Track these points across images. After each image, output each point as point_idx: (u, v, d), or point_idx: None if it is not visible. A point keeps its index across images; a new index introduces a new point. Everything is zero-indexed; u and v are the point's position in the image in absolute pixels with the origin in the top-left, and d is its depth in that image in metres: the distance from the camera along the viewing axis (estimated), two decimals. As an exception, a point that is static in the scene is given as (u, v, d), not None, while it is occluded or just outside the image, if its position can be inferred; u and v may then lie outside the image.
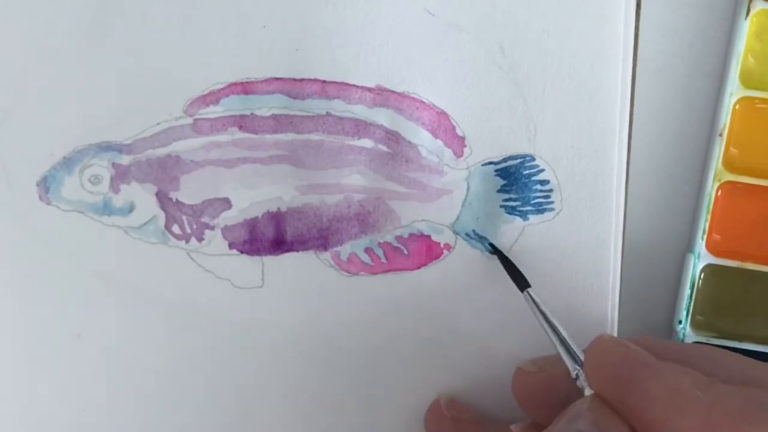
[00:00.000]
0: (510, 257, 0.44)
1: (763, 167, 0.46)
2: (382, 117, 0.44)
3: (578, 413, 0.38)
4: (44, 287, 0.45)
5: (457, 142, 0.44)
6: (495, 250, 0.45)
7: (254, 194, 0.44)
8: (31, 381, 0.46)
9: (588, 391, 0.39)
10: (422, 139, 0.44)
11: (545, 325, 0.41)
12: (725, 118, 0.46)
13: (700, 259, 0.46)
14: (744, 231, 0.47)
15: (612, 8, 0.43)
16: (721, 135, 0.46)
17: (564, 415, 0.38)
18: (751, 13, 0.45)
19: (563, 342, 0.40)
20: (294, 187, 0.44)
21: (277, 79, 0.43)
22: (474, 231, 0.45)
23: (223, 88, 0.43)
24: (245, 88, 0.43)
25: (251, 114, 0.44)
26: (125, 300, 0.45)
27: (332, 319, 0.45)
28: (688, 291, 0.47)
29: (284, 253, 0.45)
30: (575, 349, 0.40)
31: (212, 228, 0.44)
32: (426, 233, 0.45)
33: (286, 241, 0.45)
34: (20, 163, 0.44)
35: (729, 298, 0.47)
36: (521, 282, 0.43)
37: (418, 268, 0.45)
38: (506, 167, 0.45)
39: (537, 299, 0.42)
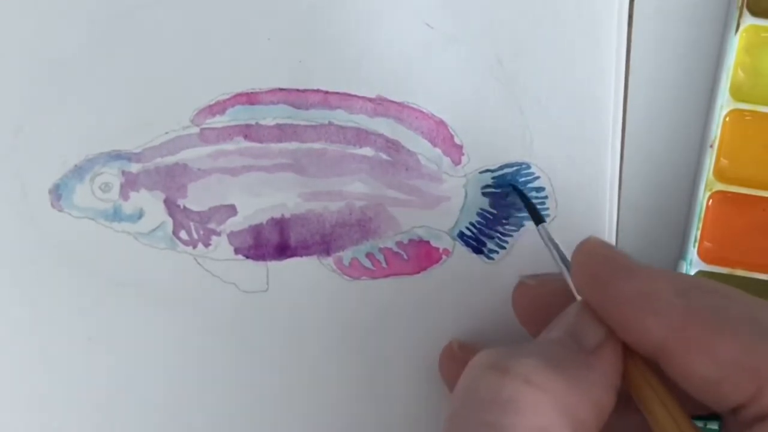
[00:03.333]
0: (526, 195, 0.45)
1: (753, 177, 0.47)
2: (383, 126, 0.45)
3: (560, 320, 0.37)
4: (56, 291, 0.45)
5: (455, 151, 0.45)
6: (514, 188, 0.45)
7: (259, 201, 0.45)
8: (43, 383, 0.46)
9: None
10: (421, 147, 0.45)
11: (555, 254, 0.41)
12: (716, 130, 0.46)
13: (692, 266, 0.47)
14: (734, 239, 0.47)
15: (605, 22, 0.44)
16: (712, 146, 0.46)
17: (552, 323, 0.38)
18: (741, 28, 0.45)
19: (566, 262, 0.40)
20: (297, 194, 0.45)
21: (281, 89, 0.44)
22: (472, 236, 0.46)
23: (228, 99, 0.44)
24: (250, 98, 0.44)
25: (256, 123, 0.44)
26: (134, 304, 0.45)
27: (335, 322, 0.46)
28: (680, 297, 0.47)
29: (288, 258, 0.45)
30: None
31: (219, 234, 0.45)
32: (425, 239, 0.46)
33: (290, 246, 0.45)
34: (34, 172, 0.44)
35: (720, 304, 0.48)
36: (536, 217, 0.43)
37: (418, 272, 0.46)
38: (503, 175, 0.45)
39: (550, 233, 0.42)
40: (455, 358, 0.45)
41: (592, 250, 0.38)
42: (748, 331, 0.32)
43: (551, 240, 0.41)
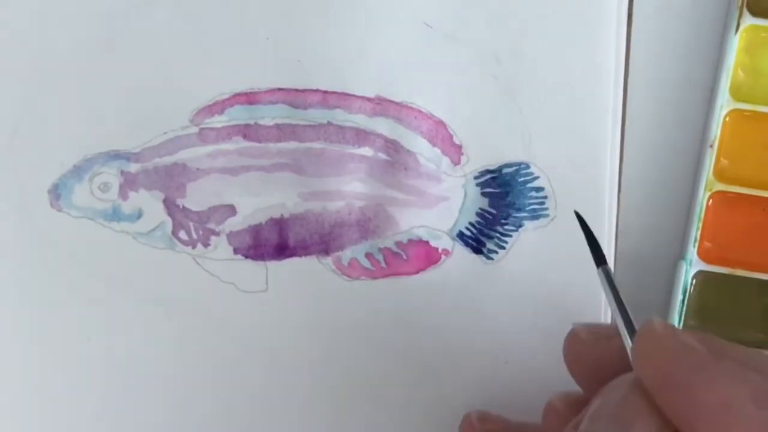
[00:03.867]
0: (590, 234, 0.41)
1: (753, 177, 0.47)
2: (382, 126, 0.45)
3: (606, 402, 0.34)
4: (56, 291, 0.45)
5: (454, 151, 0.45)
6: (580, 222, 0.41)
7: (258, 201, 0.45)
8: (42, 383, 0.46)
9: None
10: (421, 147, 0.45)
11: (613, 301, 0.37)
12: (716, 130, 0.46)
13: (692, 266, 0.47)
14: (734, 239, 0.47)
15: (604, 21, 0.44)
16: (711, 146, 0.46)
17: (596, 399, 0.35)
18: (741, 28, 0.45)
19: (628, 321, 0.37)
20: (297, 194, 0.45)
21: (280, 89, 0.44)
22: (471, 236, 0.46)
23: (227, 99, 0.44)
24: (249, 98, 0.44)
25: (255, 123, 0.44)
26: (133, 303, 0.45)
27: (334, 322, 0.46)
28: (680, 297, 0.47)
29: (287, 258, 0.45)
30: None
31: (218, 234, 0.45)
32: (425, 239, 0.46)
33: (289, 246, 0.45)
34: (32, 172, 0.44)
35: (720, 304, 0.47)
36: (599, 257, 0.40)
37: (417, 272, 0.46)
38: (502, 174, 0.45)
39: (612, 277, 0.38)
40: (474, 430, 0.44)
41: (657, 338, 0.34)
42: None
43: (613, 288, 0.38)
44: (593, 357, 0.39)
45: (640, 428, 0.32)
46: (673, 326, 0.35)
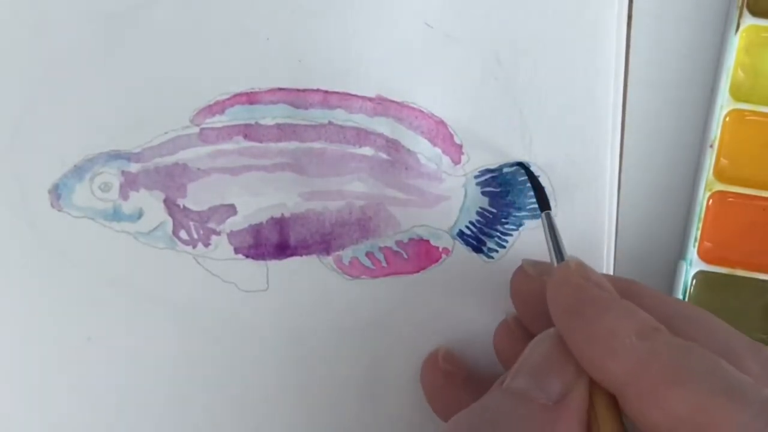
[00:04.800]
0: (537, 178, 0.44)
1: (753, 177, 0.47)
2: (383, 126, 0.45)
3: (529, 357, 0.36)
4: (56, 291, 0.45)
5: (454, 150, 0.45)
6: (525, 170, 0.45)
7: (259, 201, 0.45)
8: (42, 382, 0.46)
9: None
10: (421, 147, 0.45)
11: (551, 246, 0.40)
12: (716, 130, 0.46)
13: (692, 266, 0.47)
14: (734, 239, 0.47)
15: (604, 21, 0.44)
16: (712, 146, 0.46)
17: (519, 359, 0.37)
18: (741, 28, 0.46)
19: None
20: (297, 193, 0.45)
21: (280, 89, 0.44)
22: (471, 235, 0.46)
23: (228, 99, 0.44)
24: (250, 98, 0.44)
25: (256, 123, 0.44)
26: (134, 303, 0.45)
27: (334, 321, 0.46)
28: (680, 297, 0.47)
29: (288, 257, 0.45)
30: None
31: (218, 233, 0.45)
32: (425, 238, 0.46)
33: (290, 245, 0.45)
34: (32, 171, 0.44)
35: (720, 304, 0.47)
36: (543, 203, 0.43)
37: (418, 271, 0.46)
38: (502, 174, 0.45)
39: (554, 222, 0.41)
40: (437, 368, 0.45)
41: (566, 278, 0.37)
42: (701, 387, 0.32)
43: (552, 231, 0.41)
44: (534, 291, 0.40)
45: (555, 380, 0.35)
46: (588, 267, 0.38)
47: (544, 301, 0.38)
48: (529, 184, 0.45)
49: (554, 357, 0.36)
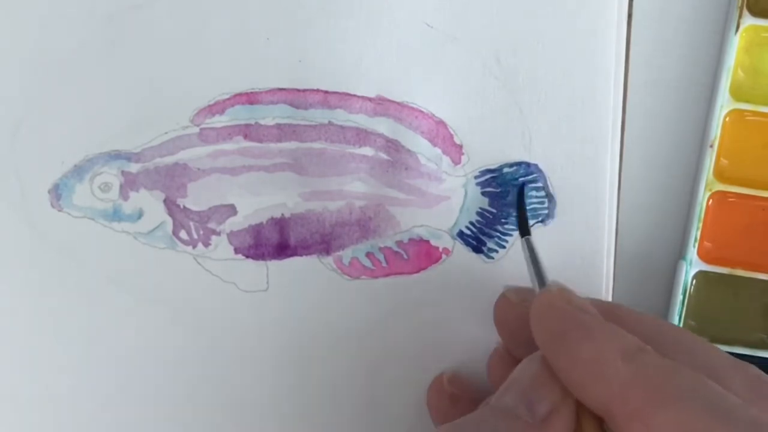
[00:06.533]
0: (525, 206, 0.45)
1: (753, 177, 0.47)
2: (383, 126, 0.45)
3: (516, 379, 0.37)
4: (55, 291, 0.45)
5: (454, 150, 0.45)
6: (519, 192, 0.45)
7: (259, 201, 0.45)
8: (42, 382, 0.46)
9: None
10: (421, 147, 0.45)
11: (533, 271, 0.41)
12: (716, 130, 0.46)
13: (692, 266, 0.47)
14: (734, 239, 0.47)
15: (604, 21, 0.44)
16: (712, 146, 0.46)
17: (508, 379, 0.37)
18: (741, 28, 0.46)
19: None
20: (297, 193, 0.45)
21: (280, 89, 0.44)
22: (471, 236, 0.46)
23: (228, 99, 0.44)
24: (250, 98, 0.44)
25: (256, 123, 0.44)
26: (134, 303, 0.45)
27: (334, 322, 0.46)
28: (680, 297, 0.47)
29: (288, 257, 0.45)
30: None
31: (218, 234, 0.45)
32: (425, 238, 0.46)
33: (290, 246, 0.45)
34: (33, 171, 0.44)
35: (720, 304, 0.48)
36: (524, 229, 0.43)
37: (418, 271, 0.46)
38: (502, 174, 0.45)
39: (534, 247, 0.42)
40: (443, 392, 0.45)
41: (551, 301, 0.38)
42: (687, 407, 0.32)
43: (533, 256, 0.41)
44: (518, 318, 0.41)
45: (542, 399, 0.35)
46: (570, 290, 0.38)
47: (528, 328, 0.38)
48: (529, 185, 0.45)
49: (541, 378, 0.36)
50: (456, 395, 0.45)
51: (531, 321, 0.38)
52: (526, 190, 0.45)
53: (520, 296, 0.42)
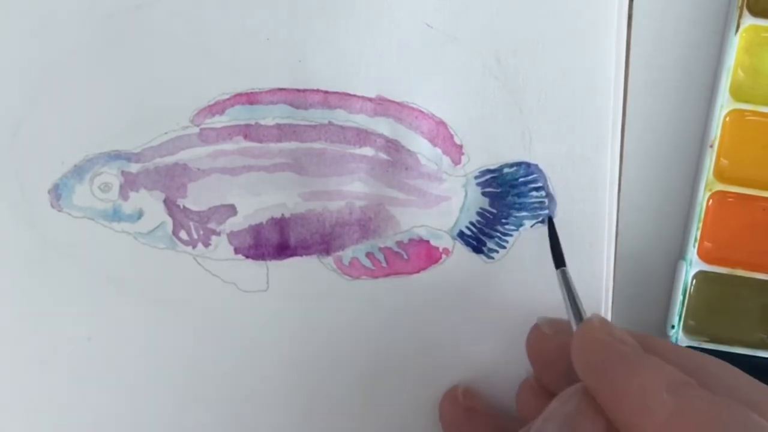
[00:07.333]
0: (557, 234, 0.45)
1: (753, 177, 0.47)
2: (383, 126, 0.45)
3: (559, 406, 0.37)
4: (56, 291, 0.45)
5: (454, 150, 0.45)
6: (549, 225, 0.45)
7: (259, 201, 0.45)
8: (42, 382, 0.46)
9: None
10: (421, 147, 0.45)
11: (569, 303, 0.41)
12: (716, 130, 0.46)
13: (692, 265, 0.47)
14: (734, 239, 0.47)
15: (604, 21, 0.44)
16: (712, 146, 0.46)
17: (548, 407, 0.37)
18: (741, 28, 0.46)
19: (580, 320, 0.40)
20: (297, 193, 0.45)
21: (280, 89, 0.44)
22: (472, 236, 0.46)
23: (228, 99, 0.44)
24: (250, 98, 0.44)
25: (256, 123, 0.44)
26: (134, 303, 0.45)
27: (335, 322, 0.46)
28: (680, 297, 0.47)
29: (288, 257, 0.45)
30: None
31: (218, 234, 0.45)
32: (425, 238, 0.46)
33: (290, 246, 0.45)
34: (32, 172, 0.44)
35: (720, 304, 0.48)
36: (558, 260, 0.43)
37: (418, 272, 0.46)
38: (503, 174, 0.45)
39: (570, 279, 0.42)
40: (457, 404, 0.46)
41: (591, 335, 0.38)
42: None
43: (569, 287, 0.42)
44: (553, 350, 0.42)
45: (586, 430, 0.35)
46: (610, 323, 0.39)
47: (562, 360, 0.38)
48: (529, 185, 0.45)
49: (585, 409, 0.36)
50: (471, 408, 0.45)
51: (572, 353, 0.38)
52: (526, 190, 0.45)
53: (554, 328, 0.43)
